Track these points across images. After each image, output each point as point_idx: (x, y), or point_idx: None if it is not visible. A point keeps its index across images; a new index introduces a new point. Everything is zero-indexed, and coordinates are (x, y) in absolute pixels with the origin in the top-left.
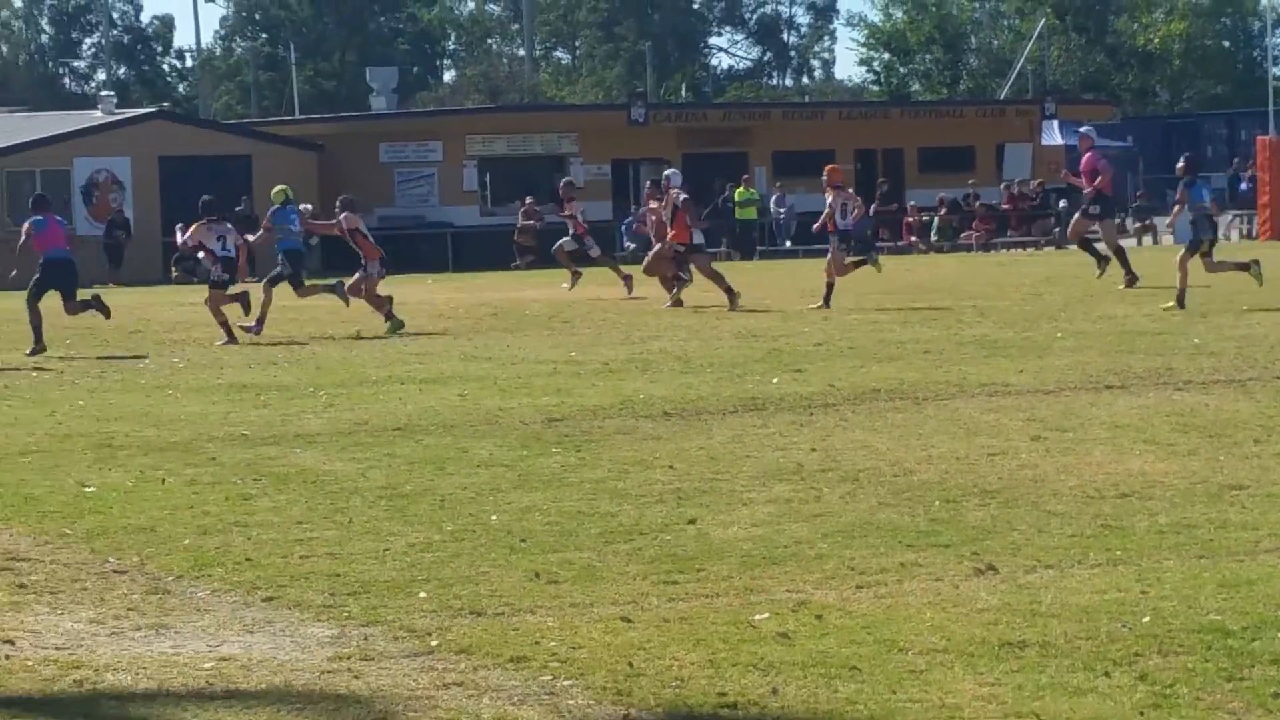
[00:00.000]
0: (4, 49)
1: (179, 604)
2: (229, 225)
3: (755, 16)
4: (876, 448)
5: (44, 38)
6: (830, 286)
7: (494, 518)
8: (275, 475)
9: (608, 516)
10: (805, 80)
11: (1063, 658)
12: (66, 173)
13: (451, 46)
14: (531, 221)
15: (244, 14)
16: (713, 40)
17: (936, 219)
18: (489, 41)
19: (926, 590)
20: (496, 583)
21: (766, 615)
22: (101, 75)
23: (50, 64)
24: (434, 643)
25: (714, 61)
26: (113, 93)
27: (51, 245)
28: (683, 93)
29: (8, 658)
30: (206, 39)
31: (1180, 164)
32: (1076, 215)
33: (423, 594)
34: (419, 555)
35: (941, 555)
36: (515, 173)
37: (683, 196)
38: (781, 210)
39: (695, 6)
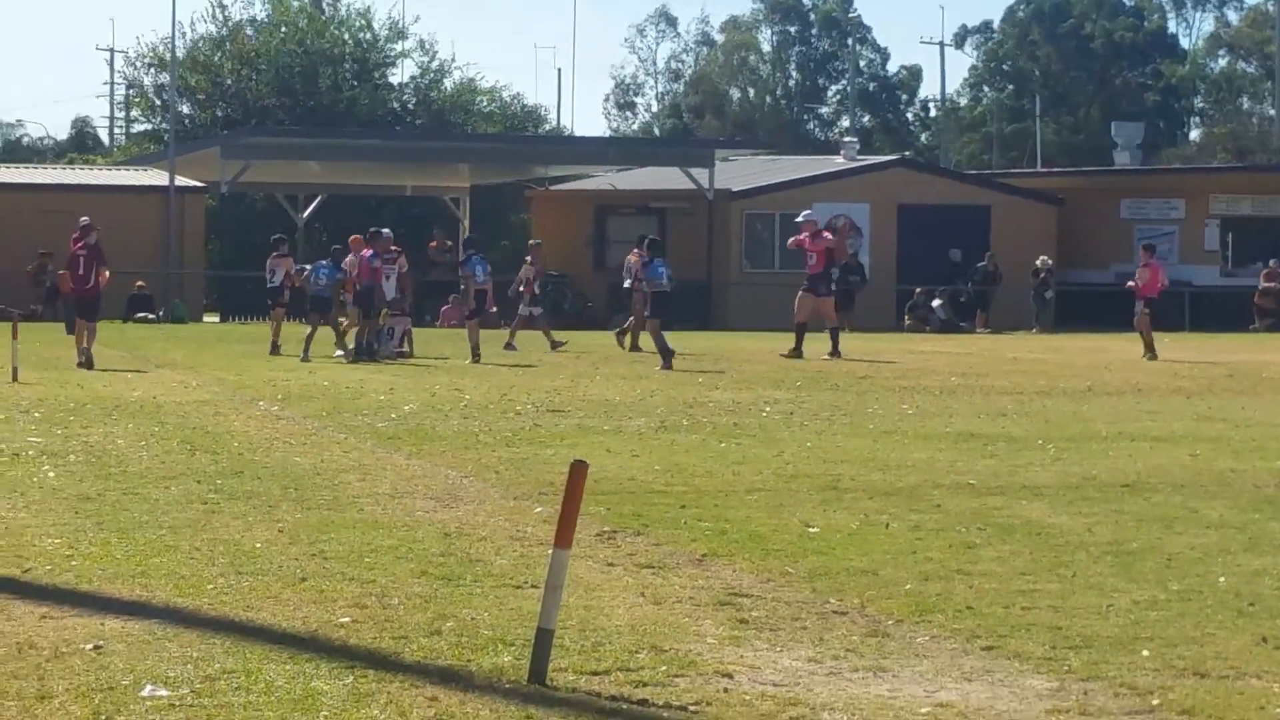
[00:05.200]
0: (751, 92)
1: (898, 648)
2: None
3: None
4: None
5: (791, 83)
6: None
7: (1222, 579)
8: (1000, 525)
9: None
10: None
11: None
12: None
13: (1200, 104)
14: (1274, 284)
15: (991, 64)
16: None
17: None
18: (1239, 99)
19: None
20: (1222, 645)
21: None
22: (845, 122)
23: (795, 109)
24: (1155, 701)
25: None
26: (855, 139)
27: None
28: None
29: (726, 690)
30: (952, 88)
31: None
32: None
33: (1145, 652)
34: (1143, 613)
35: None
36: (1259, 232)
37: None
38: None
39: None
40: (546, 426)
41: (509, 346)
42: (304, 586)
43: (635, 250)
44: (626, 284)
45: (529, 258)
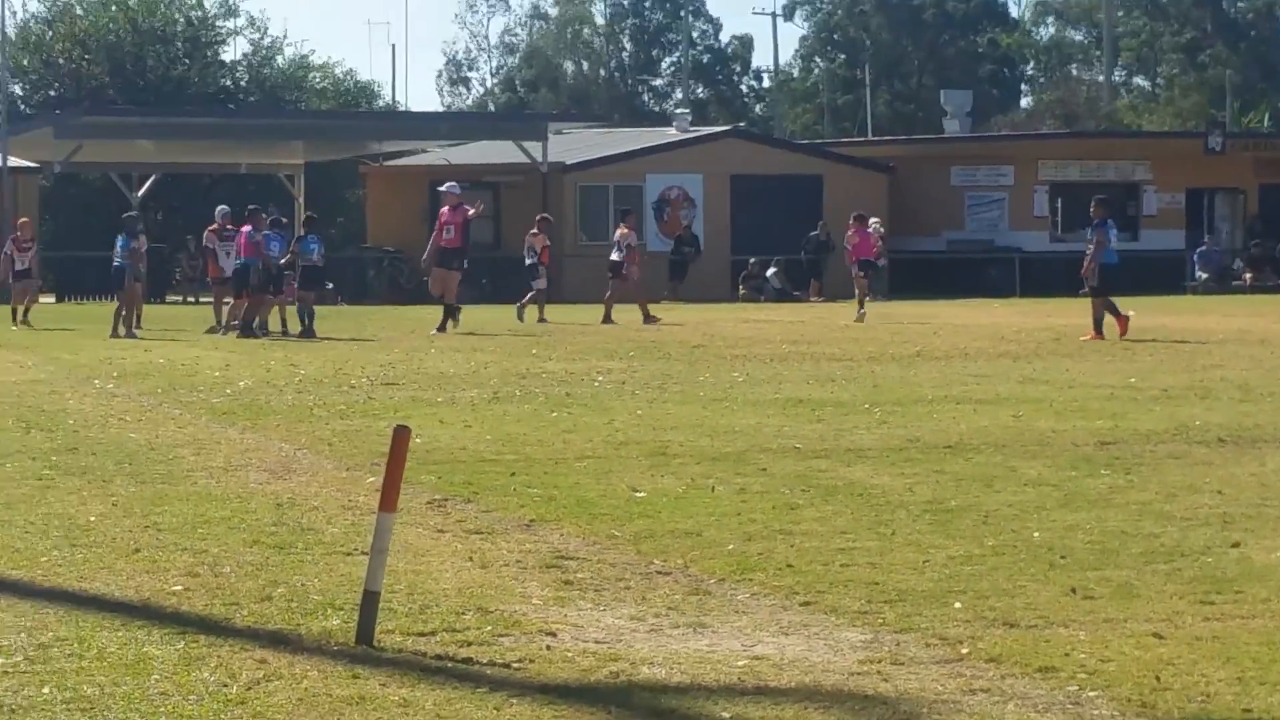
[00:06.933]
0: (585, 65)
1: (718, 605)
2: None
3: None
4: None
5: (624, 55)
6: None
7: (1036, 534)
8: (823, 487)
9: (1150, 537)
10: None
11: None
12: (639, 188)
13: (1030, 71)
14: None
15: (823, 35)
16: None
17: None
18: (1069, 66)
19: None
20: (1032, 596)
21: None
22: (679, 94)
23: (629, 81)
24: (964, 650)
25: None
26: (688, 110)
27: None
28: (1264, 122)
29: (549, 648)
30: (785, 59)
31: None
32: None
33: (958, 604)
34: (957, 568)
35: None
36: (1087, 199)
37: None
38: None
39: None
40: (380, 399)
41: (520, 317)
42: (137, 557)
43: (622, 225)
44: (614, 256)
45: (535, 230)
